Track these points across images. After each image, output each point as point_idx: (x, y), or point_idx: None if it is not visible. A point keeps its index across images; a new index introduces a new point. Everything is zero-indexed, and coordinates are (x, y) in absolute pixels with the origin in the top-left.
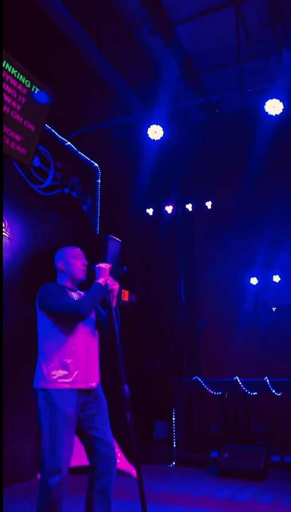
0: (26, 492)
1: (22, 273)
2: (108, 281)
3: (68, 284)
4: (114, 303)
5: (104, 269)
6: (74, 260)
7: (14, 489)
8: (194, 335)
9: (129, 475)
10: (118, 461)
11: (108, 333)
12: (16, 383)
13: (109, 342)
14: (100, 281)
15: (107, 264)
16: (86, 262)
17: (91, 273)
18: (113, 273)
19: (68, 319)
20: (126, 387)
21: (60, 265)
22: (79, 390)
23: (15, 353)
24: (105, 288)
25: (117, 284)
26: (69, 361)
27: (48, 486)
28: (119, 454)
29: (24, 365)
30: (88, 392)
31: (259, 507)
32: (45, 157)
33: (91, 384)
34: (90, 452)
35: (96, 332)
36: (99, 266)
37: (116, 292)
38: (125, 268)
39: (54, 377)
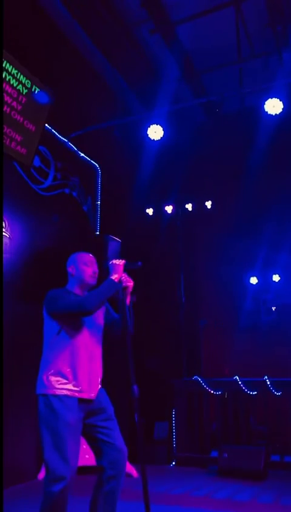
0: (26, 492)
1: (22, 273)
2: (123, 277)
3: (77, 291)
4: (128, 301)
5: (118, 265)
6: (85, 267)
7: (14, 489)
8: (194, 335)
9: (130, 475)
10: None
11: (120, 334)
12: (16, 383)
13: (120, 341)
14: (114, 277)
15: (120, 261)
16: (97, 270)
17: (106, 271)
18: (126, 269)
19: (75, 316)
20: (135, 387)
21: (70, 269)
22: (80, 400)
23: (15, 353)
24: (117, 285)
25: (131, 280)
26: (68, 370)
27: (51, 493)
28: None
29: (24, 365)
30: (89, 400)
31: (259, 507)
32: (46, 157)
33: (91, 394)
34: (99, 456)
35: (101, 340)
36: (112, 263)
37: (131, 289)
38: (139, 263)
39: (53, 384)
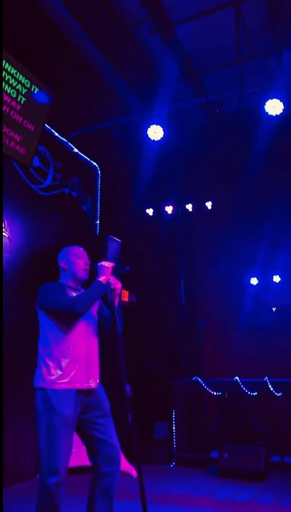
0: (26, 492)
1: (22, 273)
2: (111, 279)
3: (71, 284)
4: (116, 302)
5: (107, 267)
6: (77, 259)
7: (14, 489)
8: (194, 335)
9: (129, 475)
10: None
11: (110, 332)
12: (15, 382)
13: (111, 342)
14: (102, 279)
15: (109, 263)
16: (88, 262)
17: (94, 272)
18: (115, 272)
19: (65, 316)
20: (127, 387)
21: (62, 264)
22: (78, 391)
23: (15, 353)
24: (106, 286)
25: (119, 283)
26: (66, 361)
27: (46, 487)
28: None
29: (24, 365)
30: (88, 392)
31: (259, 507)
32: (45, 157)
33: (90, 384)
34: (92, 453)
35: (97, 331)
36: (101, 264)
37: (118, 291)
38: (127, 268)
39: (52, 377)
